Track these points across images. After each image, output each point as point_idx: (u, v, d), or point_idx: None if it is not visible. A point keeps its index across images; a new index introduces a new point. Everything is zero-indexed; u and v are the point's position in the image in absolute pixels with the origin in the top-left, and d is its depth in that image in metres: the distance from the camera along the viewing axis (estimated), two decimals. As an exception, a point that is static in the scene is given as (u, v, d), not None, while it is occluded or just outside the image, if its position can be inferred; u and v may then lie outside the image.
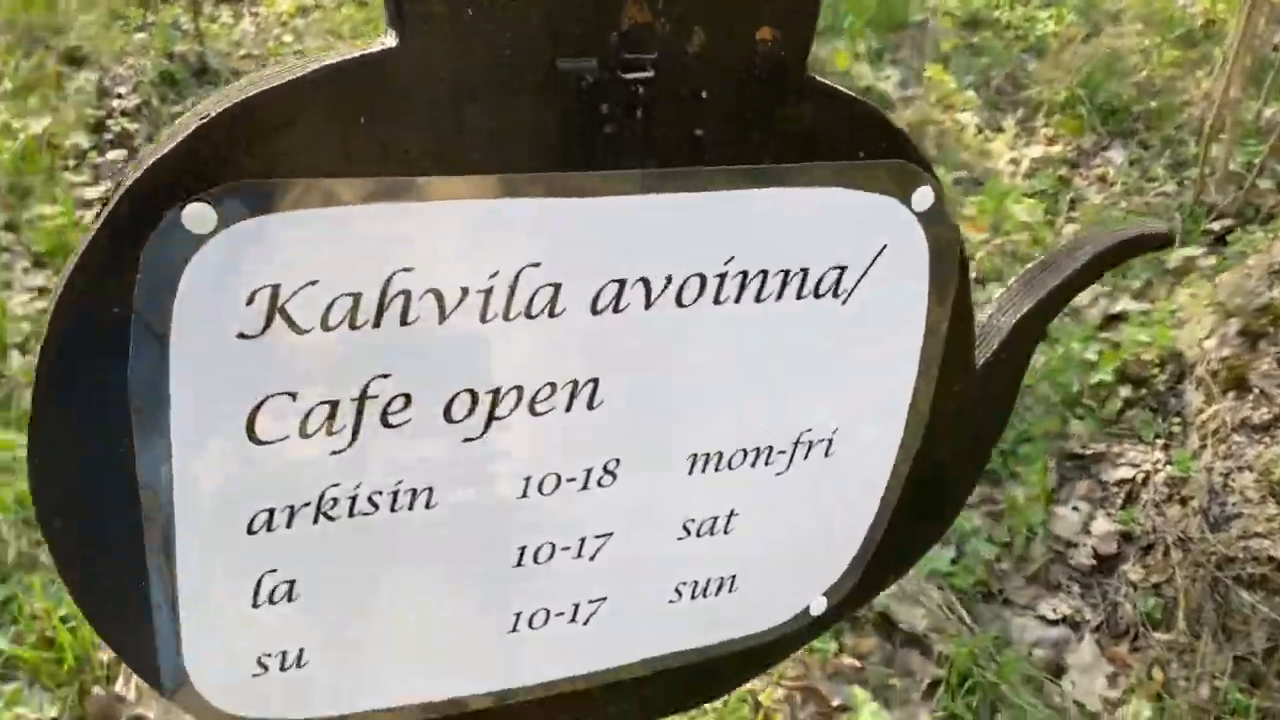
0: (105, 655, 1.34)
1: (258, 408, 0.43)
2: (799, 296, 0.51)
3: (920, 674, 1.41)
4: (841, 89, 0.49)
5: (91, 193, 2.17)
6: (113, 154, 2.31)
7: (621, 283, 0.47)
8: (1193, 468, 1.53)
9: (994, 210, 2.13)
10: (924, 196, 0.51)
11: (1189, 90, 2.54)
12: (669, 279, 0.48)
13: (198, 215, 0.39)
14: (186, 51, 2.56)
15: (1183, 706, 1.34)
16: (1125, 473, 1.62)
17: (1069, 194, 2.26)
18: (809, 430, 0.54)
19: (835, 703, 1.37)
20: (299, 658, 0.49)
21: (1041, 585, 1.53)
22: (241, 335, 0.42)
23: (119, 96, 2.46)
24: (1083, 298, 1.92)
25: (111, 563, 0.43)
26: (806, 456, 0.55)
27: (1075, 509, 1.60)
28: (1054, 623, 1.48)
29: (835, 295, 0.51)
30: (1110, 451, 1.66)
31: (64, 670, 1.31)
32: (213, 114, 0.39)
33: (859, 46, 2.75)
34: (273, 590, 0.47)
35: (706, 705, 1.32)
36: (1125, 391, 1.72)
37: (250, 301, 0.41)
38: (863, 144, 0.49)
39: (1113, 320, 1.87)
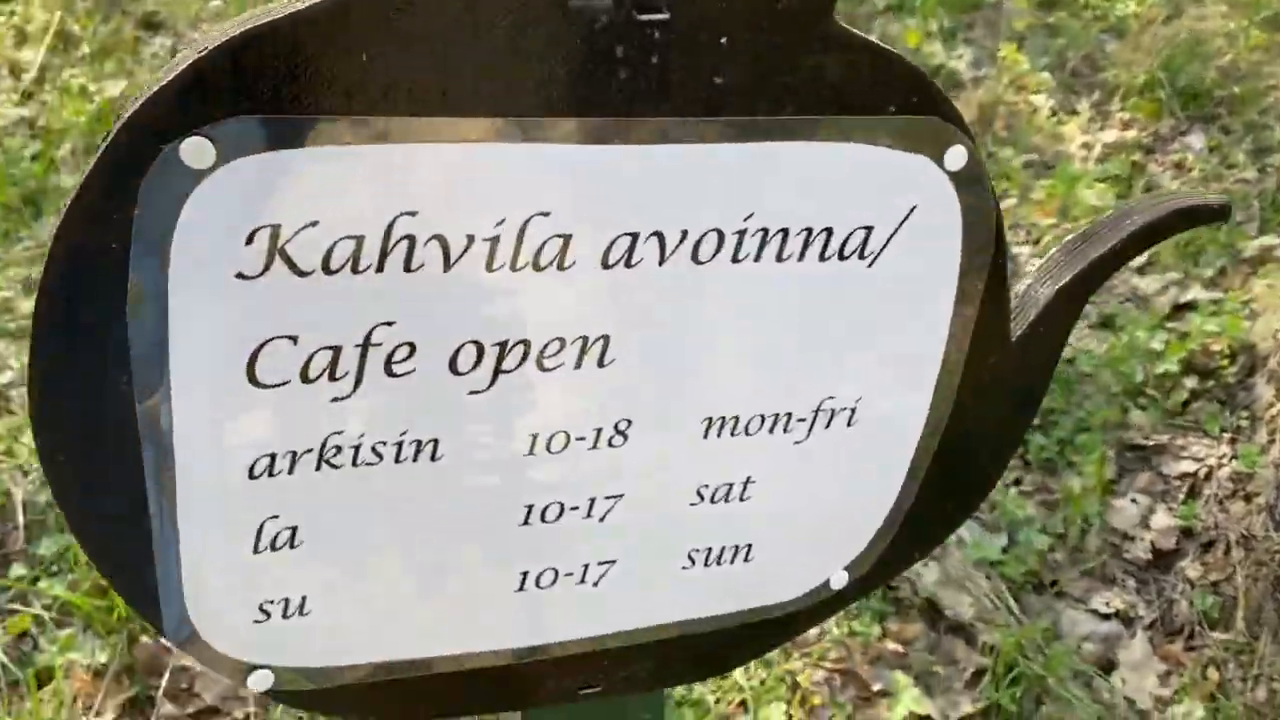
0: (153, 608, 1.37)
1: (258, 350, 0.43)
2: (822, 257, 0.49)
3: (964, 662, 1.38)
4: (871, 39, 0.47)
5: (159, 157, 2.21)
6: (181, 119, 2.34)
7: (634, 236, 0.46)
8: (1259, 463, 1.48)
9: (1064, 194, 2.07)
10: (957, 156, 0.49)
11: (1276, 75, 2.44)
12: (684, 234, 0.46)
13: (195, 149, 0.39)
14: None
15: (1238, 708, 1.30)
16: (1188, 466, 1.57)
17: (1143, 179, 2.18)
18: (831, 398, 0.52)
19: (876, 687, 1.35)
20: (301, 605, 0.48)
21: (1095, 578, 1.48)
22: (241, 276, 0.41)
23: (190, 63, 2.49)
24: (1150, 284, 1.86)
25: (112, 503, 0.43)
26: (828, 425, 0.53)
27: (1134, 501, 1.55)
28: (1106, 617, 1.43)
29: (861, 257, 0.49)
30: (1173, 444, 1.61)
31: (114, 619, 1.34)
32: (210, 47, 0.38)
33: (931, 25, 2.69)
34: (274, 537, 0.46)
35: (741, 683, 1.31)
36: (1191, 383, 1.66)
37: (250, 241, 0.41)
38: (893, 98, 0.47)
39: (1181, 309, 1.81)
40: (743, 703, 1.30)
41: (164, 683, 1.30)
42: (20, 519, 1.48)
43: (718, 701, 1.29)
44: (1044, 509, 1.56)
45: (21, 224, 2.00)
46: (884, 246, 0.49)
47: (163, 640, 1.35)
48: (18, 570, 1.43)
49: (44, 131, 2.24)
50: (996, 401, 0.56)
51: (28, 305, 1.81)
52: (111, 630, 1.34)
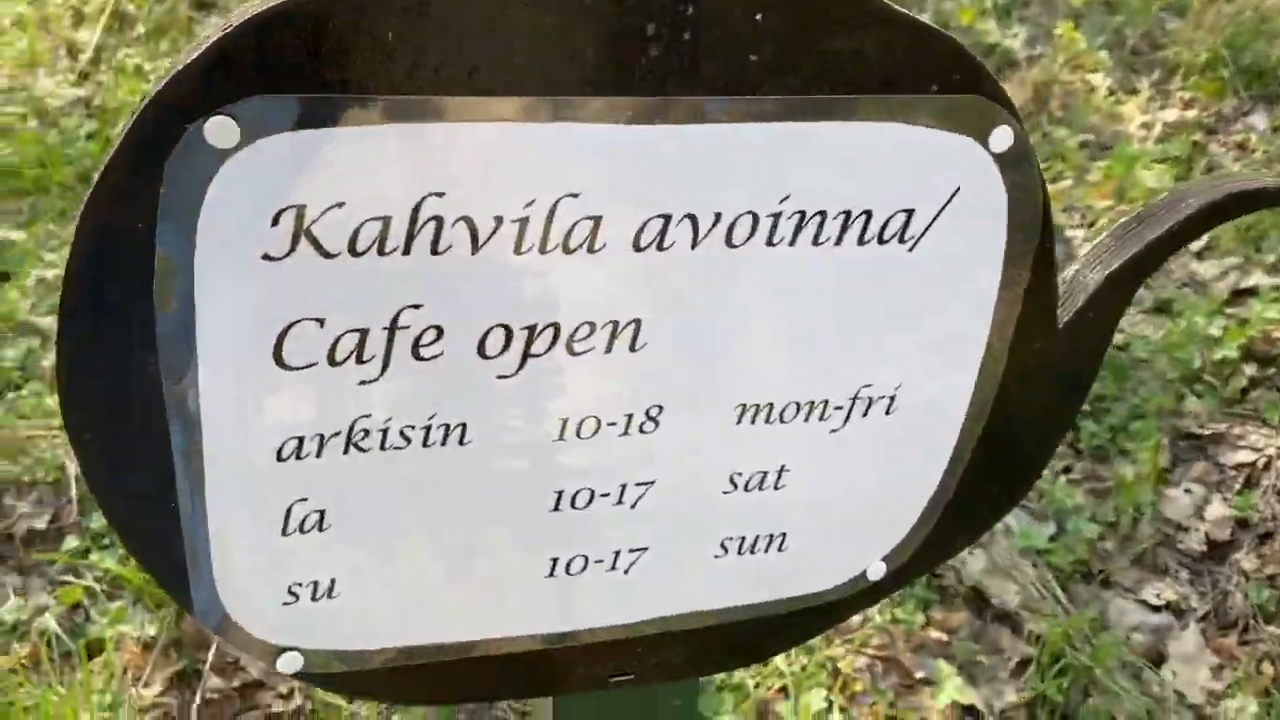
0: (200, 582, 1.39)
1: (284, 332, 0.42)
2: (861, 241, 0.47)
3: (1009, 652, 1.36)
4: (913, 16, 0.45)
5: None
6: (232, 99, 2.35)
7: (667, 218, 0.45)
8: (1321, 454, 1.43)
9: (1121, 175, 2.02)
10: (1003, 136, 0.47)
11: (1346, 52, 2.36)
12: (718, 216, 0.45)
13: (220, 129, 0.38)
14: None
15: (1293, 705, 1.26)
16: (1245, 456, 1.53)
17: (1204, 160, 2.12)
18: (868, 385, 0.51)
19: (918, 675, 1.34)
20: (330, 588, 0.48)
21: (1146, 569, 1.45)
22: (267, 257, 0.41)
23: (241, 43, 2.51)
24: (1209, 269, 1.81)
25: (139, 482, 0.43)
26: (866, 413, 0.52)
27: (1188, 491, 1.52)
28: (1157, 609, 1.40)
29: (901, 241, 0.48)
30: (1230, 433, 1.57)
31: (163, 593, 1.36)
32: (235, 24, 0.37)
33: (985, 2, 2.63)
34: (303, 519, 0.46)
35: (782, 668, 1.30)
36: (1250, 370, 1.62)
37: (276, 222, 0.40)
38: (936, 76, 0.46)
39: (1242, 295, 1.76)
40: (783, 688, 1.29)
41: (210, 656, 1.32)
42: (73, 493, 1.51)
43: (757, 686, 1.29)
44: (1094, 497, 1.53)
45: (78, 202, 2.03)
46: (925, 230, 0.48)
47: (208, 615, 1.37)
48: (71, 543, 1.46)
49: (99, 111, 2.27)
50: (1042, 388, 0.54)
51: (82, 283, 1.84)
52: (160, 604, 1.36)
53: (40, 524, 1.50)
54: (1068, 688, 1.30)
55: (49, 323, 1.79)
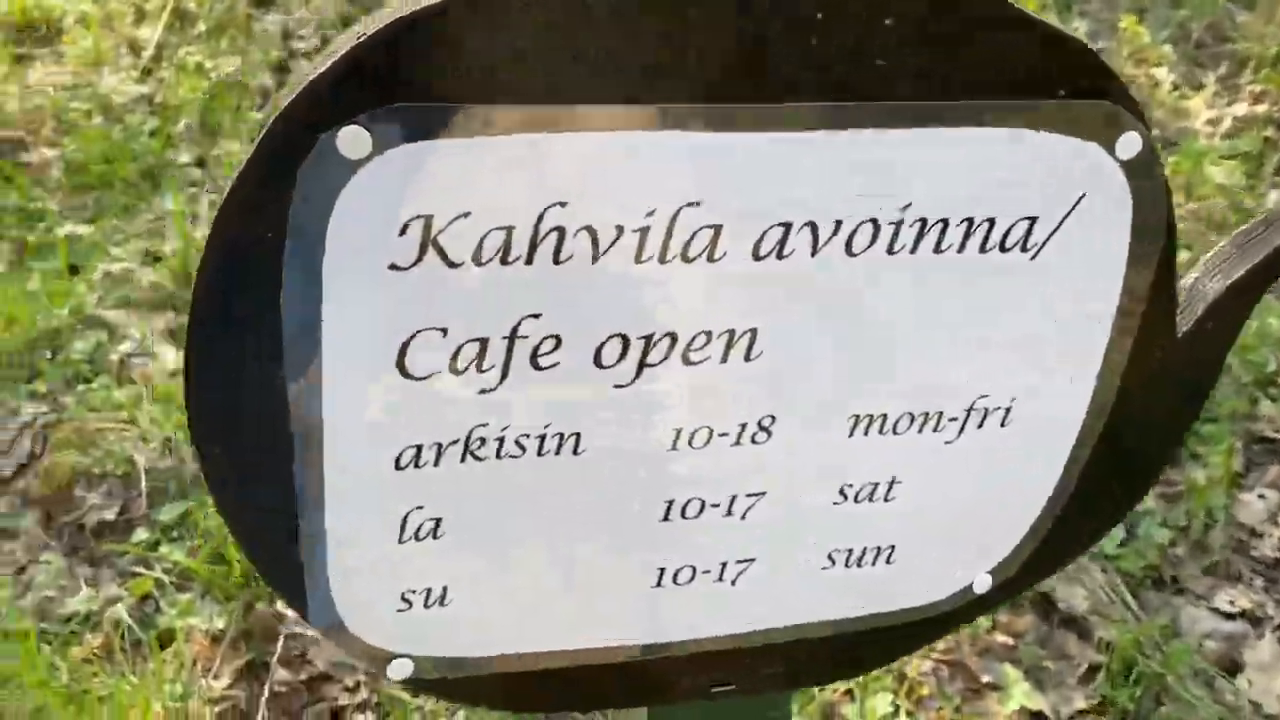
0: (268, 576, 1.40)
1: (408, 341, 0.42)
2: (982, 249, 0.47)
3: (1078, 658, 1.34)
4: (1042, 20, 0.44)
5: (271, 132, 2.24)
6: (292, 95, 2.37)
7: (787, 227, 0.44)
8: (1402, 460, 1.40)
9: (1188, 172, 1.98)
10: (1130, 143, 0.46)
11: None
12: (838, 224, 0.44)
13: (352, 139, 0.38)
14: (364, -5, 2.61)
15: (1375, 717, 1.23)
16: (1322, 461, 1.49)
17: (1276, 156, 2.08)
18: (985, 396, 0.50)
19: (984, 680, 1.32)
20: (443, 595, 0.48)
21: (1220, 575, 1.43)
22: (394, 267, 0.41)
23: (300, 38, 2.53)
24: (1284, 269, 1.77)
25: (264, 493, 0.44)
26: (981, 425, 0.51)
27: (1262, 496, 1.49)
28: (1231, 616, 1.38)
29: (1023, 249, 0.47)
30: (1306, 437, 1.53)
31: (232, 585, 1.38)
32: (368, 34, 0.37)
33: (1046, -5, 2.59)
34: (419, 527, 0.46)
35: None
36: (1327, 373, 1.58)
37: (403, 232, 0.40)
38: (1063, 81, 0.45)
39: (1318, 295, 1.72)
40: (849, 691, 1.28)
41: (278, 649, 1.34)
42: (143, 485, 1.53)
43: (823, 689, 1.28)
44: (1165, 502, 1.50)
45: (141, 198, 2.06)
46: (1048, 238, 0.47)
47: (277, 608, 1.39)
48: (140, 535, 1.47)
49: (161, 108, 2.30)
50: (1160, 398, 0.53)
51: (149, 276, 1.86)
52: (230, 596, 1.37)
53: (110, 515, 1.52)
54: (1139, 695, 1.28)
55: (115, 316, 1.81)
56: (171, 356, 1.69)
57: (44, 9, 2.59)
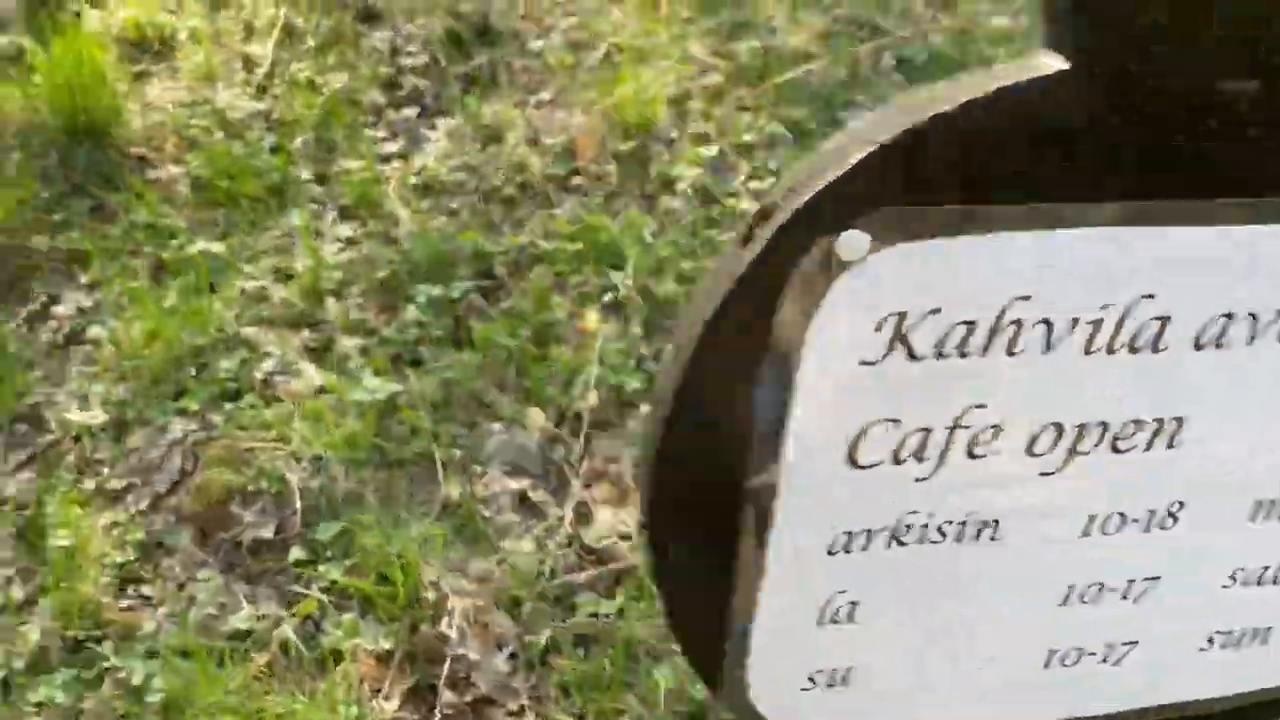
0: (432, 594, 1.41)
1: (862, 433, 0.42)
2: None
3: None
4: None
5: (390, 147, 2.26)
6: (407, 110, 2.39)
7: (1229, 317, 0.44)
8: None
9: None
10: None
11: None
12: (1278, 313, 0.44)
13: (852, 242, 0.39)
14: (471, 11, 2.63)
15: None
16: None
17: None
18: (1380, 480, 0.50)
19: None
20: (845, 676, 0.49)
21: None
22: (863, 362, 0.41)
23: (409, 54, 2.56)
24: None
25: (706, 576, 0.44)
26: (1370, 508, 0.50)
27: None
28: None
29: None
30: None
31: (396, 606, 1.38)
32: (882, 140, 0.37)
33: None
34: (837, 610, 0.46)
35: None
36: None
37: (878, 328, 0.40)
38: None
39: None
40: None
41: (444, 671, 1.35)
42: (297, 504, 1.54)
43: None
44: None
45: (268, 214, 2.08)
46: None
47: (439, 629, 1.40)
48: (296, 554, 1.49)
49: (278, 124, 2.32)
50: None
51: (281, 293, 1.89)
52: (393, 617, 1.38)
53: (267, 534, 1.53)
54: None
55: (253, 333, 1.84)
56: (312, 374, 1.71)
57: (156, 25, 2.63)
